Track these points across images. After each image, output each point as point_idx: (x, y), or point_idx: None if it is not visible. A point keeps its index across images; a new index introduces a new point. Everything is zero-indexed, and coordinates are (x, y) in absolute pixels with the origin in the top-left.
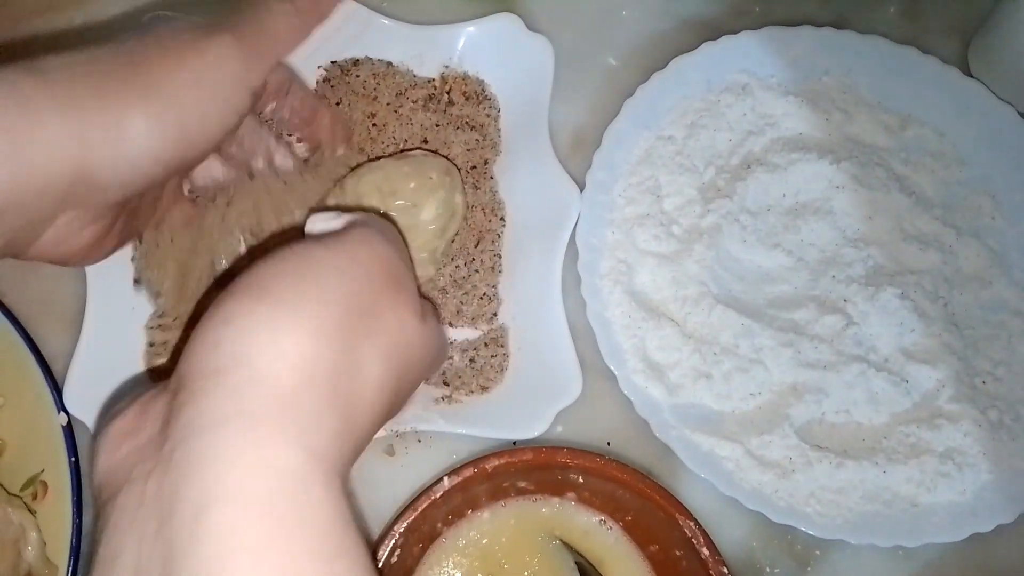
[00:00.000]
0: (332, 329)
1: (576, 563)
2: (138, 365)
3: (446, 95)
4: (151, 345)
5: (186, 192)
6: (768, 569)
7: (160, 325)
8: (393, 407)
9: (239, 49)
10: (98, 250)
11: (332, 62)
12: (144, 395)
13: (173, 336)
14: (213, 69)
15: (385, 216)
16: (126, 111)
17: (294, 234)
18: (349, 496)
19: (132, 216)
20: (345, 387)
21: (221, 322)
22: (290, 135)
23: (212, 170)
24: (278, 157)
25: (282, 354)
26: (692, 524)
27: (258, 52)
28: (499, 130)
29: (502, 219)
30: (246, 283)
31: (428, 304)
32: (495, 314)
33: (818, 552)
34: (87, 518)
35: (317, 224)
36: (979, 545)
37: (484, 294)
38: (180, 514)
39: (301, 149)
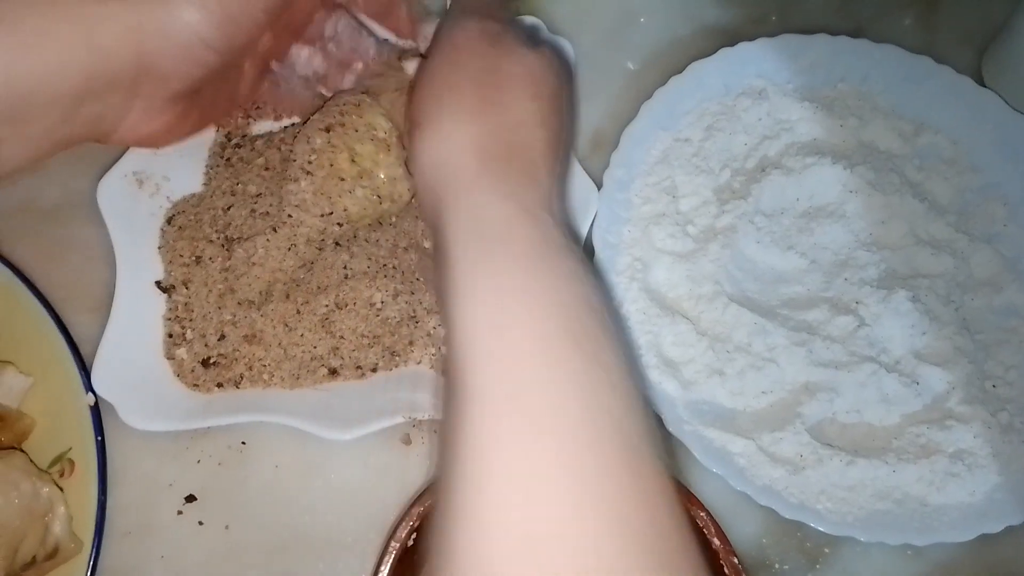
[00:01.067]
0: (473, 105)
1: None
2: (160, 352)
3: None
4: (169, 336)
5: (281, 80)
6: (778, 565)
7: (176, 318)
8: (556, 130)
9: None
10: (175, 134)
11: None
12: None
13: (189, 328)
14: None
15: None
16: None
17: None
18: (565, 225)
19: (210, 104)
20: (511, 138)
21: (411, 159)
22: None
23: (312, 62)
24: (375, 52)
25: (454, 148)
26: (703, 514)
27: None
28: None
29: None
30: (410, 122)
31: (527, 32)
32: None
33: (827, 549)
34: (111, 496)
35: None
36: (988, 546)
37: None
38: (440, 261)
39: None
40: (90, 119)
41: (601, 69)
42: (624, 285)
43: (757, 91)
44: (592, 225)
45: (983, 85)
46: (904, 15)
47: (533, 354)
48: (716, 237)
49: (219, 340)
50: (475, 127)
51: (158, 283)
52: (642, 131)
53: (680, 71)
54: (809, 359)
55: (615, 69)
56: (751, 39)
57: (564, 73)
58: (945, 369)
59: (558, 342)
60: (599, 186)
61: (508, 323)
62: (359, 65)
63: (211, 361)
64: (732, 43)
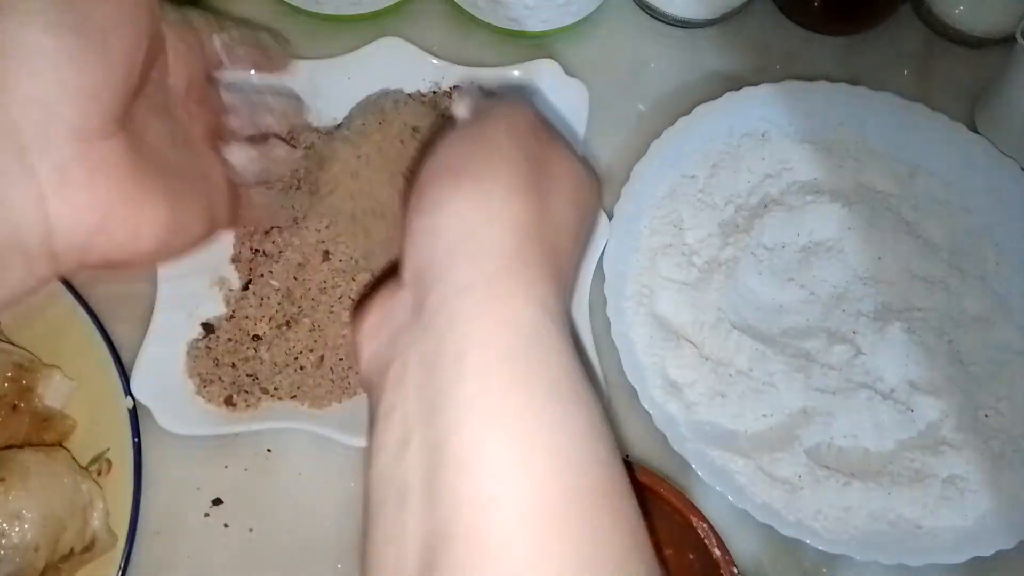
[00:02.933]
0: (526, 186)
1: None
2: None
3: None
4: (199, 377)
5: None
6: None
7: (208, 346)
8: (581, 249)
9: None
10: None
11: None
12: (378, 297)
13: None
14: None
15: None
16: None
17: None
18: (575, 337)
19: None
20: (550, 237)
21: (434, 209)
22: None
23: (244, 154)
24: (276, 103)
25: (498, 218)
26: (705, 526)
27: None
28: None
29: None
30: (438, 169)
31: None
32: None
33: (825, 569)
34: (143, 496)
35: (461, 108)
36: (980, 569)
37: None
38: (443, 364)
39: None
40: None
41: (614, 110)
42: (632, 310)
43: (760, 133)
44: (603, 253)
45: (976, 132)
46: (902, 66)
47: (529, 530)
48: (720, 268)
49: (242, 383)
50: (522, 205)
51: (205, 324)
52: (651, 168)
53: (688, 113)
54: (807, 385)
55: (627, 110)
56: (755, 85)
57: (598, 190)
58: (938, 398)
59: (562, 513)
60: (610, 217)
61: (508, 487)
62: (267, 119)
63: (233, 401)
64: (737, 88)
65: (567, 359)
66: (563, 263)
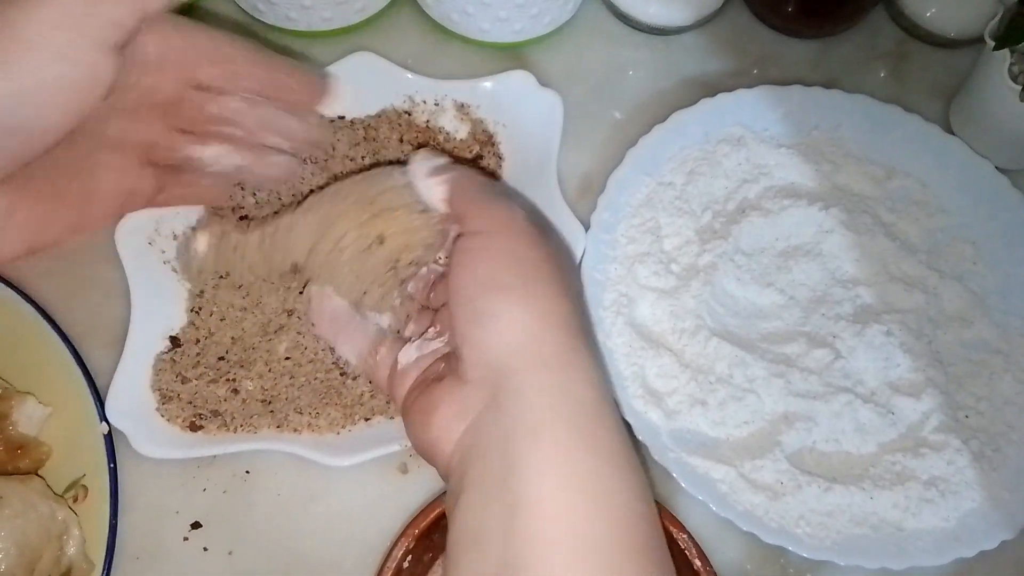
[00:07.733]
0: (559, 289)
1: None
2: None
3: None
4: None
5: (191, 181)
6: None
7: (169, 370)
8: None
9: None
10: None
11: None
12: (442, 401)
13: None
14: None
15: None
16: None
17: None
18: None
19: (55, 199)
20: (579, 322)
21: (492, 321)
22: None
23: (222, 159)
24: (290, 123)
25: (551, 322)
26: (685, 536)
27: None
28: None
29: None
30: (481, 286)
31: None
32: None
33: (809, 574)
34: (121, 521)
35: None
36: (963, 570)
37: None
38: (520, 435)
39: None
40: None
41: (589, 118)
42: (610, 320)
43: (736, 138)
44: (580, 263)
45: (951, 133)
46: (876, 67)
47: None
48: (698, 275)
49: (209, 406)
50: (566, 305)
51: (173, 338)
52: (627, 176)
53: (663, 120)
54: (787, 390)
55: (602, 118)
56: (730, 90)
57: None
58: (918, 399)
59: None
60: (587, 227)
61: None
62: (283, 144)
63: (199, 425)
64: (712, 94)
65: (620, 431)
66: (584, 336)
